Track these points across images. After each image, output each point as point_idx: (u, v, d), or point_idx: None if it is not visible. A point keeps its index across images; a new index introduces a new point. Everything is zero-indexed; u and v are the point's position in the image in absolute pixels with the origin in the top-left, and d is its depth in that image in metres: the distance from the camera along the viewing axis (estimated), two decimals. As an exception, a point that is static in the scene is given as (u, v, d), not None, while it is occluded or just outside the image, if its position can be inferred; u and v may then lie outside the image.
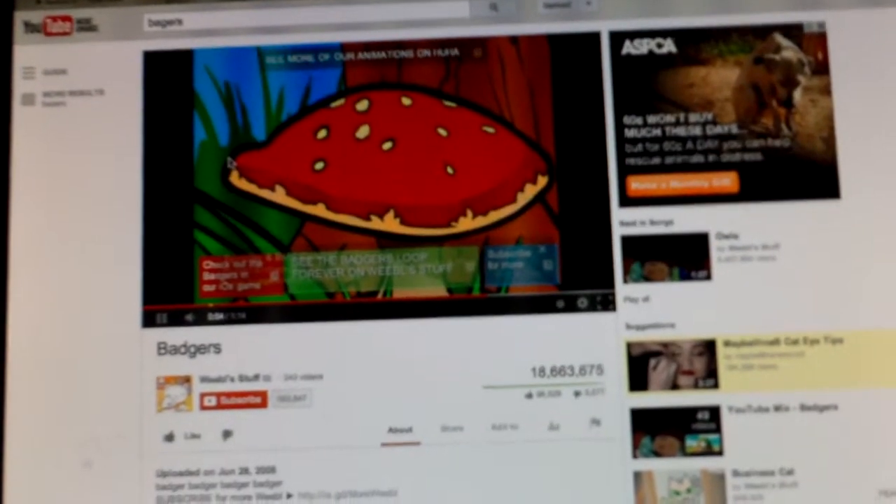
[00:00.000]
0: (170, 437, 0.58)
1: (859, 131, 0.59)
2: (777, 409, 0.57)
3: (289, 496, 0.57)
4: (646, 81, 0.60)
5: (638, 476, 0.57)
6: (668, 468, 0.57)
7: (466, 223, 0.59)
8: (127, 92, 0.60)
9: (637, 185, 0.59)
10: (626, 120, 0.60)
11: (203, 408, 0.58)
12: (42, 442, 0.58)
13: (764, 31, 0.60)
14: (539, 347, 0.58)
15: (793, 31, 0.60)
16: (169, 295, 0.59)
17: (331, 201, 0.59)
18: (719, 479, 0.56)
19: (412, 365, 0.58)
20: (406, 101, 0.60)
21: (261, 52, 0.61)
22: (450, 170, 0.59)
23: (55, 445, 0.58)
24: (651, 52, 0.60)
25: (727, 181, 0.59)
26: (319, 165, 0.59)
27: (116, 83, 0.61)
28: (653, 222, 0.59)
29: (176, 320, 0.59)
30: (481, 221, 0.59)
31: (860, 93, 0.59)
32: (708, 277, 0.58)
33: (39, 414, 0.58)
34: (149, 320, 0.58)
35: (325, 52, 0.61)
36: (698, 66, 0.60)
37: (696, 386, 0.57)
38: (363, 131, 0.60)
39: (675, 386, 0.57)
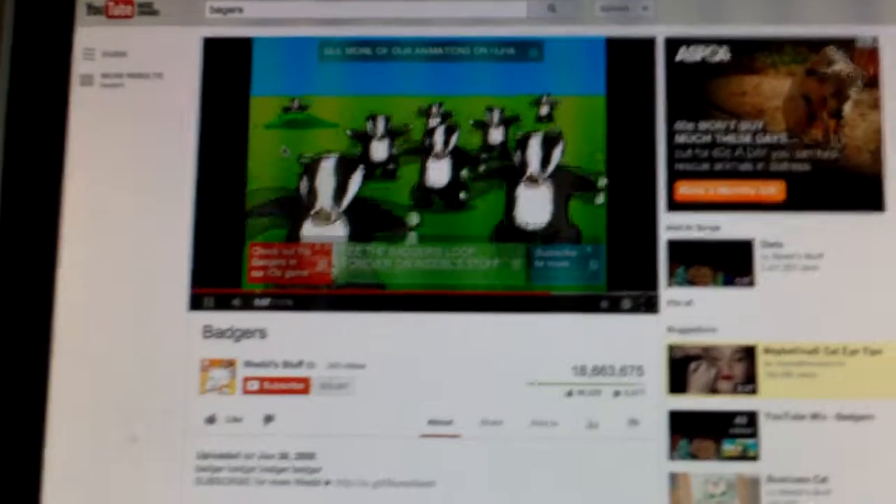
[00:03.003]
0: (211, 420, 0.63)
1: (907, 146, 0.63)
2: (814, 417, 0.61)
3: (327, 483, 0.62)
4: (698, 88, 0.65)
5: (674, 477, 0.61)
6: (703, 471, 0.61)
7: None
8: (185, 76, 0.66)
9: (685, 189, 0.64)
10: (678, 125, 0.65)
11: (246, 392, 0.63)
12: (85, 418, 0.63)
13: (817, 44, 0.65)
14: (581, 346, 0.63)
15: (846, 45, 0.65)
16: (217, 279, 0.64)
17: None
18: (754, 483, 0.61)
19: (455, 358, 0.63)
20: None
21: (320, 44, 0.67)
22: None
23: (98, 422, 0.62)
24: (704, 60, 0.65)
25: (774, 190, 0.64)
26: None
27: (175, 68, 0.66)
28: (699, 227, 0.64)
29: (223, 304, 0.64)
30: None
31: (910, 108, 0.64)
32: (751, 284, 0.63)
33: (84, 390, 0.63)
34: (196, 303, 0.64)
35: (383, 46, 0.67)
36: (751, 75, 0.65)
37: (734, 391, 0.62)
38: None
39: (714, 390, 0.62)
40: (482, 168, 0.66)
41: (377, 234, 0.65)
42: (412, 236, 0.65)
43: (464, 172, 0.66)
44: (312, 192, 0.65)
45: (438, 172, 0.66)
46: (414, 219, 0.65)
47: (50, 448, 0.63)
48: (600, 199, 0.64)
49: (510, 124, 0.66)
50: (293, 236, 0.65)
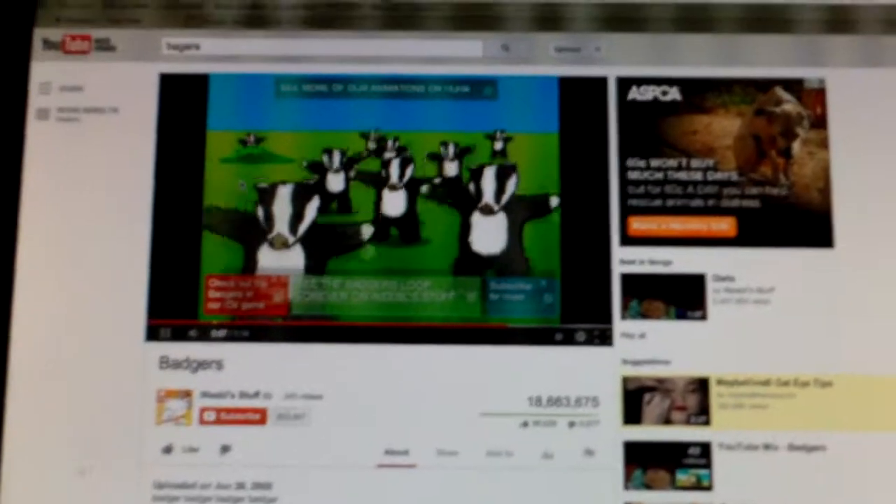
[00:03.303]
0: (168, 450, 0.63)
1: (853, 184, 0.66)
2: (766, 447, 0.62)
3: (283, 513, 0.62)
4: (650, 126, 0.67)
5: (628, 508, 0.62)
6: (658, 501, 0.62)
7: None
8: (141, 111, 0.67)
9: (638, 225, 0.66)
10: (630, 162, 0.67)
11: (202, 422, 0.63)
12: (40, 447, 0.63)
13: (766, 85, 0.67)
14: (536, 378, 0.64)
15: (794, 86, 0.67)
16: (174, 310, 0.65)
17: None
18: (707, 513, 0.62)
19: (411, 389, 0.63)
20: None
21: (276, 80, 0.68)
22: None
23: (53, 451, 0.63)
24: (656, 99, 0.67)
25: (725, 226, 0.65)
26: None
27: (131, 103, 0.67)
28: (652, 262, 0.65)
29: (179, 335, 0.64)
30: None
31: (856, 147, 0.66)
32: (703, 317, 0.64)
33: (39, 420, 0.63)
34: (152, 334, 0.64)
35: (339, 83, 0.68)
36: (702, 115, 0.67)
37: (688, 422, 0.63)
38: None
39: (668, 421, 0.63)
40: (439, 192, 0.67)
41: (335, 256, 0.66)
42: (369, 250, 0.66)
43: (419, 201, 0.67)
44: (269, 217, 0.66)
45: (394, 202, 0.67)
46: (369, 230, 0.66)
47: (5, 478, 0.63)
48: (554, 228, 0.66)
49: (464, 155, 0.67)
50: (250, 263, 0.66)
